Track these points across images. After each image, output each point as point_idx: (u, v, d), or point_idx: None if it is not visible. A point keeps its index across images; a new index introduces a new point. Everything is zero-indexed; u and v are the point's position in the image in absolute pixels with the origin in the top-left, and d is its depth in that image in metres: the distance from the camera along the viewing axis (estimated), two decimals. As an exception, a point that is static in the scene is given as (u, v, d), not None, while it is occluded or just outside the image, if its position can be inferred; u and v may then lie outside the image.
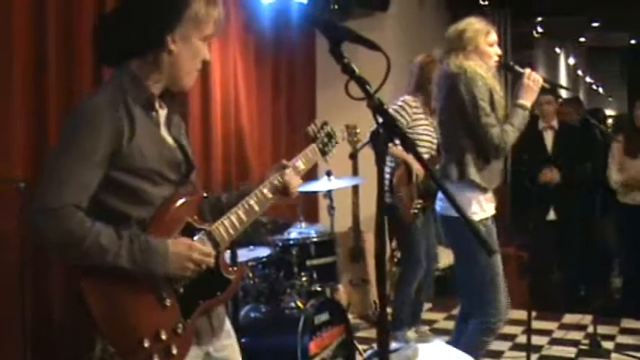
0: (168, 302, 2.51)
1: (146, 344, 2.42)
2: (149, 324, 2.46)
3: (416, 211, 5.96)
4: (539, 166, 7.49)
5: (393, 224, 6.23)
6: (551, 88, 4.70)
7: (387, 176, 6.10)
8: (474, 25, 4.46)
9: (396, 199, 5.98)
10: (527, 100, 4.39)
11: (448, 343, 4.68)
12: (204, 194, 2.81)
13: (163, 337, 2.47)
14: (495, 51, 4.48)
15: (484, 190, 4.37)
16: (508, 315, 4.52)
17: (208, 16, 2.60)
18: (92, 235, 2.34)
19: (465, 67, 4.32)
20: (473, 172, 4.32)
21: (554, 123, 7.65)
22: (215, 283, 2.70)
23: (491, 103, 4.31)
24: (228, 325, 2.89)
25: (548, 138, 7.65)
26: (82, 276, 2.42)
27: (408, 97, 6.07)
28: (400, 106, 6.02)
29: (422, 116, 6.02)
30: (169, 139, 2.65)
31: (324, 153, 3.26)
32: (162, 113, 2.66)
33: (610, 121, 11.95)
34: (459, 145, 4.38)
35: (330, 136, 3.29)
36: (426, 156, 5.86)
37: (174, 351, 2.50)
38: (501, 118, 4.36)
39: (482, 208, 4.37)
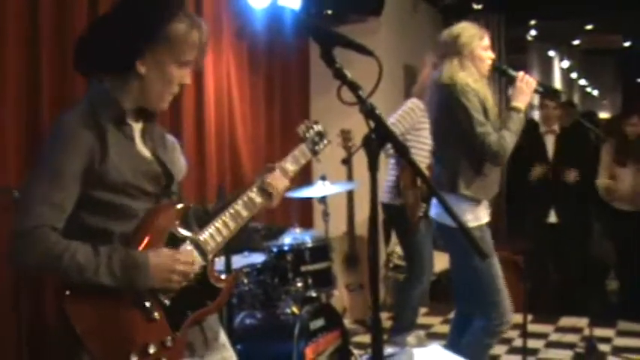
0: (155, 315, 2.49)
1: (134, 359, 2.41)
2: (136, 338, 2.44)
3: (421, 214, 5.97)
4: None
5: (397, 227, 6.24)
6: (544, 91, 4.70)
7: (393, 178, 6.11)
8: (468, 30, 4.45)
9: (403, 202, 5.98)
10: (520, 102, 4.39)
11: (445, 347, 4.67)
12: (189, 204, 2.79)
13: (151, 350, 2.45)
14: (489, 55, 4.48)
15: (477, 201, 4.37)
16: (512, 318, 4.51)
17: (187, 42, 2.54)
18: (68, 254, 2.33)
19: (456, 79, 4.32)
20: (463, 187, 4.32)
21: (556, 127, 7.66)
22: (204, 293, 2.67)
23: (485, 112, 4.31)
24: (223, 337, 2.86)
25: (549, 142, 7.65)
26: (65, 291, 2.41)
27: (417, 100, 6.10)
28: (410, 107, 6.07)
29: (426, 121, 6.03)
30: (146, 152, 2.63)
31: (314, 152, 3.23)
32: (137, 127, 2.64)
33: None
34: (451, 156, 4.39)
35: (320, 134, 3.27)
36: (428, 161, 5.87)
37: None
38: (495, 126, 4.36)
39: (476, 217, 4.37)
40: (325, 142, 3.30)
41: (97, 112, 2.48)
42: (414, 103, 6.12)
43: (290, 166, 3.07)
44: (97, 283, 2.37)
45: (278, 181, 2.94)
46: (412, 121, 6.02)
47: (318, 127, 3.28)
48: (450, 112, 4.33)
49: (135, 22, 2.50)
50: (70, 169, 2.37)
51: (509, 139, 4.30)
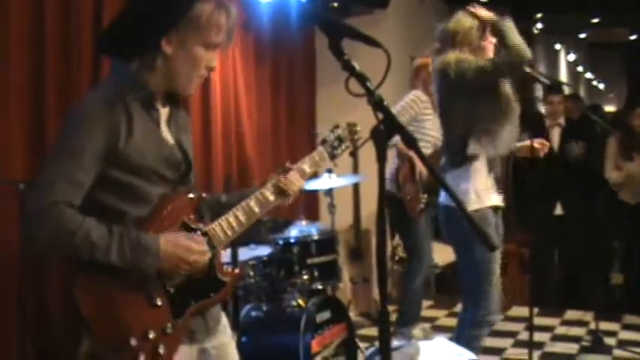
0: (158, 302, 2.49)
1: (133, 343, 2.41)
2: (138, 323, 2.45)
3: (422, 206, 5.95)
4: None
5: (397, 219, 6.23)
6: (551, 84, 4.68)
7: (393, 171, 6.11)
8: (463, 23, 4.43)
9: (403, 194, 5.98)
10: None
11: (450, 339, 4.67)
12: (203, 194, 2.79)
13: (151, 336, 2.45)
14: (490, 41, 4.45)
15: (479, 175, 4.34)
16: (500, 312, 4.50)
17: (212, 23, 2.52)
18: (82, 231, 2.33)
19: (447, 58, 4.32)
20: (472, 146, 4.31)
21: (561, 120, 7.65)
22: (209, 285, 2.67)
23: None
24: (224, 321, 2.86)
25: (555, 135, 7.64)
26: (76, 272, 2.43)
27: (418, 92, 6.10)
28: (412, 99, 6.06)
29: (430, 112, 6.04)
30: (169, 138, 2.62)
31: (333, 157, 3.20)
32: (164, 111, 2.64)
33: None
34: (459, 129, 4.36)
35: (340, 139, 3.23)
36: (429, 151, 5.86)
37: (162, 351, 2.49)
38: None
39: (479, 198, 4.34)
40: (344, 147, 3.25)
41: (125, 93, 2.47)
42: (415, 95, 6.11)
43: (308, 168, 3.05)
44: (107, 262, 2.37)
45: (294, 181, 2.92)
46: (414, 112, 6.01)
47: (338, 132, 3.23)
48: (449, 83, 4.32)
49: (162, 0, 2.50)
50: (92, 146, 2.37)
51: None
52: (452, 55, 4.33)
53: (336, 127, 3.26)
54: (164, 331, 2.50)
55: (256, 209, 2.80)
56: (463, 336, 4.54)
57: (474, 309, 4.45)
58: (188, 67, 2.55)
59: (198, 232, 2.62)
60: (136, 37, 2.51)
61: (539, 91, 12.95)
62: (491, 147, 4.35)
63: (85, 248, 2.34)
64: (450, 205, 4.40)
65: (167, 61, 2.52)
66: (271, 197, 2.86)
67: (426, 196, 5.90)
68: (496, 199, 4.44)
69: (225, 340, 2.83)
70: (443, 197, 4.53)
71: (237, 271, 2.85)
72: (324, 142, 3.19)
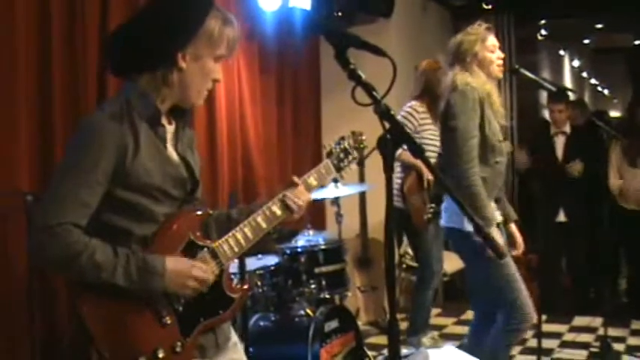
0: (167, 320, 2.49)
1: None
2: (147, 342, 2.45)
3: (429, 216, 5.95)
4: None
5: (405, 230, 6.25)
6: (557, 90, 4.69)
7: (398, 182, 6.12)
8: (469, 35, 4.47)
9: (409, 206, 5.99)
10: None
11: (459, 347, 4.66)
12: (210, 211, 2.79)
13: (161, 355, 2.46)
14: (498, 55, 4.47)
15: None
16: (534, 315, 4.49)
17: (222, 36, 2.57)
18: (88, 253, 2.33)
19: (458, 81, 4.34)
20: None
21: (567, 128, 7.65)
22: (217, 302, 2.68)
23: (482, 113, 4.31)
24: (234, 338, 2.86)
25: (559, 143, 7.64)
26: (81, 292, 2.42)
27: (414, 103, 6.13)
28: (408, 112, 6.08)
29: (429, 121, 6.07)
30: (174, 156, 2.63)
31: (339, 169, 3.19)
32: (170, 129, 2.64)
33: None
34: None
35: (346, 151, 3.23)
36: (433, 160, 5.86)
37: None
38: (497, 124, 4.36)
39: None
40: (350, 158, 3.25)
41: (132, 111, 2.48)
42: (411, 107, 6.14)
43: (314, 181, 3.04)
44: (113, 284, 2.37)
45: (301, 196, 2.92)
46: (412, 126, 6.03)
47: (344, 144, 3.23)
48: (452, 112, 4.34)
49: (175, 16, 2.51)
50: (101, 166, 2.37)
51: (477, 195, 4.27)
52: (460, 78, 4.36)
53: (342, 138, 3.26)
54: (174, 350, 2.50)
55: (264, 225, 2.81)
56: (489, 345, 4.53)
57: (506, 319, 4.43)
58: (200, 80, 2.59)
59: (205, 250, 2.62)
60: (151, 53, 2.52)
61: (543, 99, 12.98)
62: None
63: (91, 270, 2.34)
64: (452, 226, 4.42)
65: (181, 76, 2.54)
66: (278, 212, 2.86)
67: (433, 205, 5.91)
68: (497, 216, 4.46)
69: (234, 356, 2.83)
70: (444, 219, 4.55)
71: (245, 287, 2.84)
72: (330, 154, 3.19)
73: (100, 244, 2.37)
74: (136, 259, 2.40)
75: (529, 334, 6.27)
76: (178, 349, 2.51)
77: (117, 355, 2.42)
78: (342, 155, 3.21)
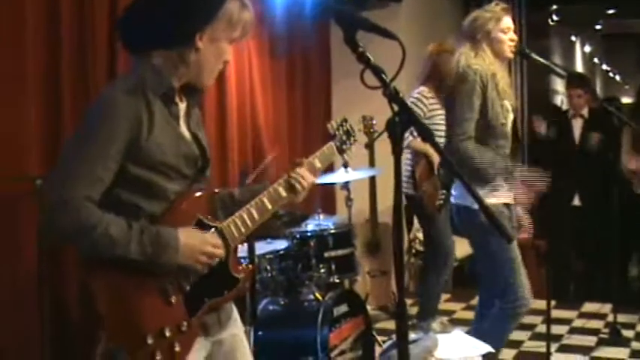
0: (173, 299, 2.50)
1: (149, 341, 2.42)
2: (154, 320, 2.45)
3: (441, 202, 5.96)
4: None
5: (419, 216, 6.25)
6: (568, 75, 4.68)
7: (409, 168, 6.11)
8: (484, 13, 4.47)
9: (420, 192, 5.99)
10: None
11: (467, 333, 4.67)
12: (216, 190, 2.80)
13: (167, 334, 2.46)
14: (510, 37, 4.46)
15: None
16: (531, 300, 4.49)
17: (240, 19, 2.61)
18: (102, 226, 2.33)
19: (459, 62, 4.34)
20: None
21: (584, 112, 7.66)
22: (223, 282, 2.69)
23: (484, 95, 4.31)
24: (235, 315, 2.88)
25: (577, 126, 7.65)
26: (91, 270, 2.42)
27: (423, 88, 6.11)
28: (417, 98, 6.07)
29: (437, 106, 6.05)
30: (187, 134, 2.64)
31: (341, 151, 3.24)
32: (182, 107, 2.65)
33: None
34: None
35: (348, 133, 3.27)
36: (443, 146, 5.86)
37: (178, 348, 2.50)
38: (504, 104, 4.36)
39: (490, 196, 4.33)
40: (352, 140, 3.30)
41: (147, 87, 2.48)
42: (419, 92, 6.12)
43: (318, 163, 3.07)
44: (127, 257, 2.37)
45: (305, 177, 2.93)
46: (420, 112, 6.01)
47: (346, 126, 3.28)
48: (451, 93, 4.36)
49: None
50: (116, 141, 2.37)
51: (477, 158, 4.28)
52: (464, 59, 4.36)
53: (345, 120, 3.30)
54: (179, 329, 2.51)
55: (269, 205, 2.82)
56: (490, 329, 4.54)
57: (504, 302, 4.45)
58: (214, 61, 2.61)
59: (213, 230, 2.63)
60: (171, 32, 2.52)
61: (558, 85, 12.93)
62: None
63: (105, 243, 2.34)
64: (462, 203, 4.43)
65: (197, 56, 2.55)
66: (283, 193, 2.88)
67: (444, 191, 5.91)
68: (507, 197, 4.45)
69: (235, 331, 2.85)
70: (454, 195, 4.55)
71: (250, 267, 2.85)
72: (333, 136, 3.22)
73: (114, 218, 2.37)
74: (150, 232, 2.40)
75: (538, 319, 6.28)
76: (184, 329, 2.52)
77: (124, 333, 2.43)
78: (344, 137, 3.26)
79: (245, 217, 2.74)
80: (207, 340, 2.68)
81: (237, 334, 2.86)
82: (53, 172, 2.43)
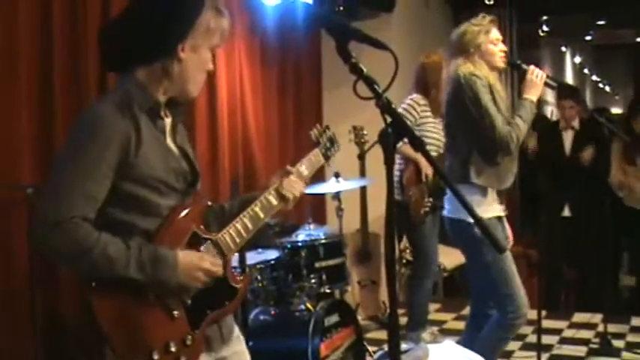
0: (176, 314, 2.49)
1: (155, 356, 2.41)
2: (158, 336, 2.44)
3: (427, 209, 5.96)
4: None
5: (403, 223, 6.24)
6: (558, 86, 4.69)
7: (397, 174, 6.12)
8: (472, 27, 4.46)
9: (407, 199, 5.99)
10: (532, 95, 4.40)
11: (458, 343, 4.67)
12: (208, 203, 2.80)
13: (173, 349, 2.45)
14: (500, 48, 4.47)
15: (484, 191, 4.35)
16: (528, 312, 4.49)
17: (217, 26, 2.59)
18: (100, 247, 2.31)
19: (461, 71, 4.33)
20: (474, 175, 4.32)
21: (575, 123, 7.67)
22: (223, 293, 2.69)
23: (495, 103, 4.31)
24: (237, 331, 2.87)
25: (568, 138, 7.67)
26: (91, 289, 2.40)
27: (416, 96, 6.13)
28: (409, 104, 6.07)
29: (429, 114, 6.07)
30: (174, 148, 2.63)
31: (327, 157, 3.26)
32: (168, 122, 2.64)
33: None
34: (463, 147, 4.38)
35: (332, 140, 3.31)
36: (433, 154, 5.86)
37: None
38: (502, 114, 4.37)
39: (482, 209, 4.34)
40: (336, 147, 3.33)
41: (133, 103, 2.47)
42: (412, 99, 6.13)
43: (305, 170, 3.09)
44: (126, 278, 2.36)
45: (294, 184, 2.94)
46: (412, 118, 6.02)
47: (329, 133, 3.31)
48: (459, 103, 4.33)
49: (175, 7, 2.51)
50: (106, 159, 2.35)
51: (522, 127, 4.30)
52: (464, 68, 4.36)
53: (327, 127, 3.34)
54: (184, 343, 2.50)
55: (262, 215, 2.82)
56: (485, 340, 4.54)
57: (501, 314, 4.45)
58: (198, 70, 2.60)
59: (209, 242, 2.63)
60: (151, 45, 2.51)
61: (548, 95, 12.97)
62: (494, 181, 4.38)
63: (103, 264, 2.33)
64: (455, 216, 4.42)
65: (180, 67, 2.54)
66: (274, 202, 2.89)
67: (431, 199, 5.92)
68: (499, 210, 4.46)
69: (238, 348, 2.85)
70: (447, 209, 4.55)
71: (247, 276, 2.85)
72: (317, 143, 3.26)
73: (111, 238, 2.36)
74: (148, 252, 2.39)
75: (529, 329, 6.28)
76: (189, 342, 2.51)
77: (130, 350, 2.42)
78: (328, 144, 3.29)
79: (239, 227, 2.74)
80: (210, 356, 2.66)
81: (239, 351, 2.85)
82: (45, 189, 2.41)
